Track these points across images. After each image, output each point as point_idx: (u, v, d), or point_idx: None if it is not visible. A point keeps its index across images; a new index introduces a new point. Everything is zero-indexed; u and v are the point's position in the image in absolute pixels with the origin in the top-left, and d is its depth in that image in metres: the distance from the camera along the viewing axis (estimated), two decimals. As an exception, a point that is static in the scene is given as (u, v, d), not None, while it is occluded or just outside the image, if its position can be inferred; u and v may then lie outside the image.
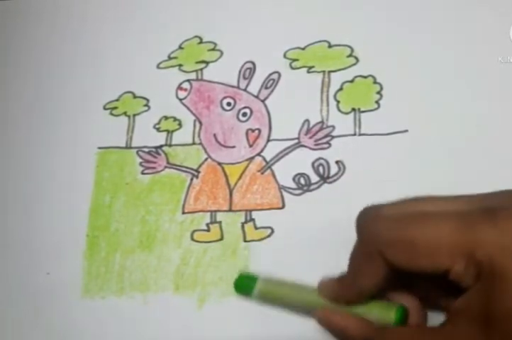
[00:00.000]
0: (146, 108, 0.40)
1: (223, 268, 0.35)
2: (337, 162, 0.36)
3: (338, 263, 0.33)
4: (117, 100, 0.40)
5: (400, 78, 0.36)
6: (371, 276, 0.26)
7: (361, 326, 0.27)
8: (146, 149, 0.39)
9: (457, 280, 0.23)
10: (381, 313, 0.27)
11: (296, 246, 0.34)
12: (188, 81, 0.40)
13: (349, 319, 0.27)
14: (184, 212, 0.37)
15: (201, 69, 0.40)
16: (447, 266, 0.23)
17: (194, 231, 0.36)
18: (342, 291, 0.28)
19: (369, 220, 0.26)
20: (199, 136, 0.38)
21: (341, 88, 0.37)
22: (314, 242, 0.34)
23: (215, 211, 0.36)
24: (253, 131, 0.38)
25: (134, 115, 0.40)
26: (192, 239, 0.36)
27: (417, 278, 0.27)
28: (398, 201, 0.25)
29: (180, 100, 0.39)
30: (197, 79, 0.40)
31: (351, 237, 0.34)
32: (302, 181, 0.36)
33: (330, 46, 0.38)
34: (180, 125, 0.39)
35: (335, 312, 0.28)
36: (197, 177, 0.37)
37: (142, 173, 0.38)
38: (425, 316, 0.27)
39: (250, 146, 0.37)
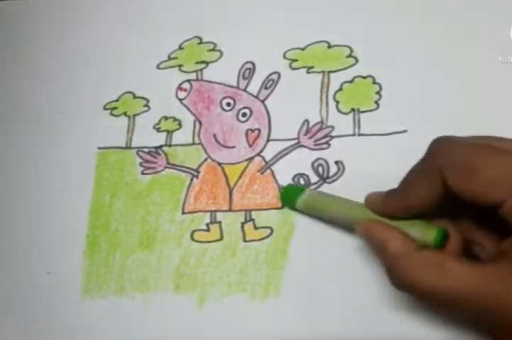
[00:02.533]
0: (146, 108, 0.40)
1: (223, 268, 0.35)
2: (336, 162, 0.36)
3: (338, 263, 0.33)
4: (117, 100, 0.41)
5: (399, 78, 0.36)
6: (424, 192, 0.26)
7: (402, 241, 0.27)
8: (146, 149, 0.39)
9: (507, 217, 0.23)
10: (422, 231, 0.27)
11: (296, 246, 0.34)
12: (188, 81, 0.40)
13: (392, 233, 0.27)
14: (183, 212, 0.37)
15: (201, 70, 0.40)
16: (501, 199, 0.23)
17: (194, 231, 0.36)
18: (391, 203, 0.28)
19: (440, 141, 0.26)
20: (199, 136, 0.38)
21: (340, 89, 0.37)
22: (314, 242, 0.34)
23: (215, 211, 0.36)
24: (253, 131, 0.38)
25: (134, 116, 0.40)
26: (192, 239, 0.36)
27: (465, 214, 0.28)
28: (469, 137, 0.26)
29: (180, 100, 0.40)
30: (197, 79, 0.40)
31: (351, 237, 0.34)
32: (301, 181, 0.36)
33: (329, 46, 0.38)
34: (180, 125, 0.39)
35: (378, 224, 0.28)
36: (197, 177, 0.37)
37: (142, 173, 0.38)
38: (463, 248, 0.28)
39: (250, 146, 0.37)
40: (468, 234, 0.28)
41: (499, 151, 0.24)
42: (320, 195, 0.33)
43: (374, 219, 0.29)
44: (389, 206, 0.28)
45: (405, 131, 0.35)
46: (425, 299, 0.26)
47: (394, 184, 0.32)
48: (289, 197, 0.34)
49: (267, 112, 0.38)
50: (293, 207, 0.34)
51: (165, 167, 0.38)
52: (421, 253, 0.26)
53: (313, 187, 0.35)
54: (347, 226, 0.32)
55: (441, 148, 0.26)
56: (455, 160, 0.25)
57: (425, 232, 0.27)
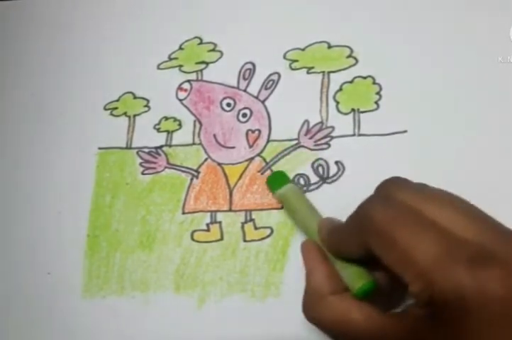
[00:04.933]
0: (146, 109, 0.40)
1: (223, 268, 0.35)
2: (336, 162, 0.36)
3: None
4: (117, 100, 0.41)
5: (399, 78, 0.36)
6: (352, 247, 0.26)
7: (325, 279, 0.28)
8: (146, 150, 0.39)
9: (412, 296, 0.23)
10: (352, 278, 0.28)
11: (296, 246, 0.34)
12: (188, 81, 0.40)
13: (320, 266, 0.29)
14: (184, 212, 0.37)
15: (201, 70, 0.40)
16: (408, 280, 0.23)
17: (194, 231, 0.36)
18: (329, 241, 0.29)
19: (366, 207, 0.26)
20: (199, 136, 0.38)
21: (340, 89, 0.37)
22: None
23: (215, 211, 0.36)
24: (253, 132, 0.38)
25: (134, 116, 0.40)
26: (192, 239, 0.36)
27: None
28: (425, 190, 0.25)
29: (180, 100, 0.40)
30: (197, 80, 0.40)
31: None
32: (302, 182, 0.36)
33: (329, 47, 0.38)
34: (180, 125, 0.39)
35: (314, 250, 0.29)
36: (197, 177, 0.37)
37: (143, 173, 0.38)
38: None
39: (250, 146, 0.37)
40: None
41: (425, 227, 0.23)
42: (294, 197, 0.33)
43: (315, 244, 0.30)
44: (327, 244, 0.29)
45: (405, 131, 0.35)
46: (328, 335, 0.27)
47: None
48: (272, 183, 0.35)
49: (267, 112, 0.38)
50: (272, 192, 0.35)
51: (165, 167, 0.38)
52: (333, 296, 0.27)
53: (313, 186, 0.35)
54: (303, 232, 0.33)
55: (368, 213, 0.25)
56: (381, 226, 0.24)
57: (353, 280, 0.27)
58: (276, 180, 0.34)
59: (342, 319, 0.26)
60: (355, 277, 0.27)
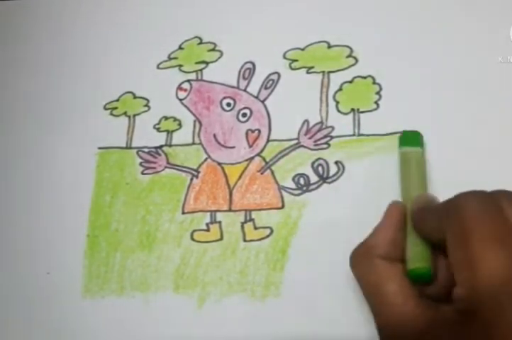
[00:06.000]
0: (146, 108, 0.40)
1: (223, 268, 0.35)
2: (336, 162, 0.36)
3: (338, 263, 0.33)
4: (117, 100, 0.41)
5: (399, 78, 0.36)
6: (430, 229, 0.26)
7: (388, 241, 0.28)
8: (146, 149, 0.39)
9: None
10: (413, 257, 0.27)
11: (296, 246, 0.34)
12: (188, 81, 0.40)
13: (391, 229, 0.28)
14: (183, 212, 0.37)
15: (201, 70, 0.40)
16: (458, 281, 0.23)
17: (194, 231, 0.36)
18: (415, 216, 0.28)
19: (476, 197, 0.25)
20: (199, 136, 0.38)
21: (340, 89, 0.37)
22: (314, 242, 0.34)
23: (215, 211, 0.36)
24: (253, 131, 0.38)
25: (134, 116, 0.40)
26: (192, 238, 0.36)
27: None
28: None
29: (180, 100, 0.40)
30: (197, 79, 0.40)
31: (350, 237, 0.34)
32: (301, 181, 0.36)
33: (329, 46, 0.38)
34: (180, 125, 0.39)
35: (398, 214, 0.29)
36: (197, 177, 0.37)
37: (143, 173, 0.38)
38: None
39: (250, 146, 0.37)
40: None
41: (504, 241, 0.22)
42: (416, 163, 0.32)
43: (402, 208, 0.29)
44: (413, 217, 0.29)
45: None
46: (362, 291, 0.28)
47: (394, 184, 0.32)
48: (406, 139, 0.33)
49: (267, 112, 0.38)
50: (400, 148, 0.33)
51: (165, 167, 0.38)
52: (383, 260, 0.27)
53: (313, 186, 0.35)
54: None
55: (464, 202, 0.24)
56: (460, 223, 0.23)
57: (415, 258, 0.27)
58: (411, 138, 0.33)
59: (379, 283, 0.26)
60: (419, 257, 0.27)
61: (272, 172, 0.36)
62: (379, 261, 0.27)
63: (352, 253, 0.29)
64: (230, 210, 0.36)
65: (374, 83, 0.37)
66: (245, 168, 0.37)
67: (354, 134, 0.36)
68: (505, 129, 0.34)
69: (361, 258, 0.28)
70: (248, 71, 0.39)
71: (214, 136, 0.38)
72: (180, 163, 0.38)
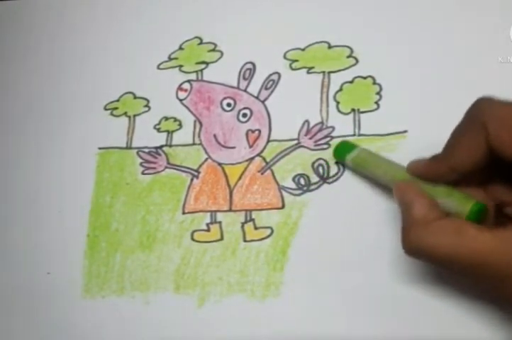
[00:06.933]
0: (146, 109, 0.40)
1: (223, 268, 0.35)
2: (336, 163, 0.36)
3: (338, 263, 0.33)
4: (117, 100, 0.41)
5: (399, 79, 0.36)
6: (469, 150, 0.26)
7: (428, 207, 0.27)
8: (146, 150, 0.39)
9: None
10: (459, 202, 0.27)
11: (296, 246, 0.34)
12: (188, 81, 0.40)
13: (420, 197, 0.27)
14: (184, 212, 0.37)
15: (201, 70, 0.40)
16: None
17: (194, 231, 0.36)
18: (434, 165, 0.28)
19: (481, 101, 0.26)
20: (199, 136, 0.38)
21: (341, 89, 0.37)
22: (314, 242, 0.34)
23: (215, 211, 0.36)
24: (253, 132, 0.38)
25: (134, 116, 0.40)
26: (192, 239, 0.36)
27: (498, 180, 0.28)
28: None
29: (180, 100, 0.40)
30: (197, 80, 0.40)
31: (350, 237, 0.34)
32: (302, 182, 0.36)
33: (329, 47, 0.38)
34: (180, 125, 0.39)
35: (412, 186, 0.28)
36: (197, 177, 0.37)
37: (143, 173, 0.38)
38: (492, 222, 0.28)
39: (250, 146, 0.37)
40: (501, 196, 0.28)
41: None
42: (369, 154, 0.33)
43: (410, 182, 0.29)
44: (432, 169, 0.28)
45: (405, 131, 0.35)
46: (443, 265, 0.26)
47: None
48: (341, 151, 0.34)
49: (268, 112, 0.38)
50: (342, 162, 0.35)
51: (165, 167, 0.38)
52: (441, 220, 0.26)
53: (313, 186, 0.35)
54: (388, 187, 0.32)
55: (484, 103, 0.26)
56: (498, 113, 0.25)
57: (462, 203, 0.27)
58: (343, 149, 0.34)
59: (456, 239, 0.25)
60: (463, 200, 0.27)
61: (272, 172, 0.36)
62: (440, 222, 0.26)
63: (405, 239, 0.27)
64: (230, 210, 0.36)
65: (375, 83, 0.37)
66: (246, 169, 0.37)
67: (354, 135, 0.36)
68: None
69: (420, 232, 0.26)
70: (248, 71, 0.39)
71: (214, 136, 0.38)
72: (180, 163, 0.38)
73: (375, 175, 0.32)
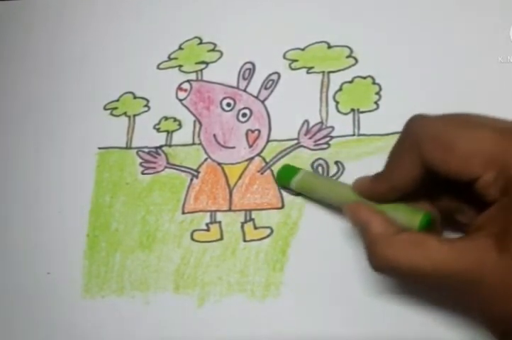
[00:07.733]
0: (146, 109, 0.40)
1: (223, 268, 0.35)
2: (336, 162, 0.36)
3: (338, 263, 0.33)
4: (117, 100, 0.41)
5: (399, 78, 0.36)
6: (406, 170, 0.26)
7: (383, 224, 0.27)
8: (146, 150, 0.39)
9: (482, 191, 0.23)
10: (407, 216, 0.28)
11: (296, 246, 0.34)
12: (188, 81, 0.40)
13: (375, 216, 0.28)
14: (183, 212, 0.37)
15: (201, 70, 0.40)
16: (477, 173, 0.23)
17: (194, 231, 0.36)
18: (376, 185, 0.29)
19: (414, 120, 0.26)
20: (199, 136, 0.38)
21: (340, 89, 0.37)
22: (314, 242, 0.34)
23: (215, 211, 0.36)
24: (253, 131, 0.38)
25: (134, 116, 0.40)
26: (192, 238, 0.36)
27: (442, 190, 0.28)
28: (445, 114, 0.26)
29: (180, 100, 0.40)
30: (197, 80, 0.40)
31: (350, 237, 0.34)
32: (301, 181, 0.36)
33: (329, 47, 0.38)
34: (180, 125, 0.39)
35: (363, 206, 0.29)
36: (197, 177, 0.37)
37: (143, 173, 0.38)
38: (441, 231, 0.28)
39: (250, 146, 0.37)
40: (448, 205, 0.29)
41: (475, 125, 0.24)
42: (314, 177, 0.34)
43: (360, 202, 0.29)
44: (375, 189, 0.29)
45: (405, 131, 0.35)
46: (406, 279, 0.27)
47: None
48: (284, 176, 0.34)
49: (267, 112, 0.38)
50: (287, 187, 0.35)
51: (165, 167, 0.38)
52: (401, 234, 0.26)
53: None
54: (336, 208, 0.32)
55: (418, 123, 0.26)
56: (431, 134, 0.25)
57: (410, 217, 0.28)
58: (287, 174, 0.34)
59: (416, 252, 0.25)
60: (411, 214, 0.28)
61: (272, 172, 0.36)
62: (400, 236, 0.26)
63: (370, 255, 0.27)
64: (230, 210, 0.36)
65: (374, 83, 0.37)
66: (245, 169, 0.37)
67: (354, 135, 0.36)
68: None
69: (384, 247, 0.26)
70: (248, 71, 0.39)
71: (214, 136, 0.38)
72: (180, 163, 0.38)
73: (322, 197, 0.33)
